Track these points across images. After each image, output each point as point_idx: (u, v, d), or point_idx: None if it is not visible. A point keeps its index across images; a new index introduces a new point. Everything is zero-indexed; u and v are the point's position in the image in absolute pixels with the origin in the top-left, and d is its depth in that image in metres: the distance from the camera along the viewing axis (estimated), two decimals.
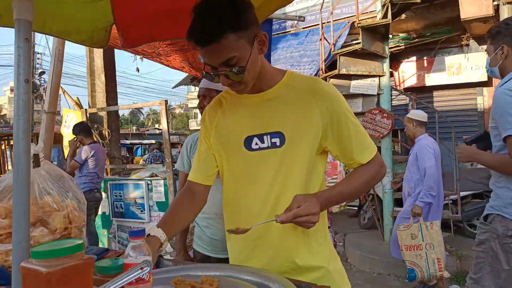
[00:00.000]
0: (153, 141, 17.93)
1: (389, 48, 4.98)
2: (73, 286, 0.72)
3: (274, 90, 1.16)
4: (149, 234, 1.09)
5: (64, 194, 1.29)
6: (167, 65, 4.07)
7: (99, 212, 4.43)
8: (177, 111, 59.54)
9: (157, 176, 4.08)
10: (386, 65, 4.82)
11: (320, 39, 5.08)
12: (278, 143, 1.14)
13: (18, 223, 0.88)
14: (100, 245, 4.45)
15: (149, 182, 4.01)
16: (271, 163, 1.15)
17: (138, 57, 4.23)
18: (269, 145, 1.15)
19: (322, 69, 5.11)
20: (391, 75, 6.95)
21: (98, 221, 4.47)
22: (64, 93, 5.10)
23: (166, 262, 1.32)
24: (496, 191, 1.85)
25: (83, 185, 4.01)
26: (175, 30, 2.00)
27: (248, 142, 1.18)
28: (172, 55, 3.72)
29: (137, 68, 4.42)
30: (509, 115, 1.66)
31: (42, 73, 20.93)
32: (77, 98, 5.28)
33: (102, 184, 4.34)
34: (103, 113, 5.00)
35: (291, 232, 1.15)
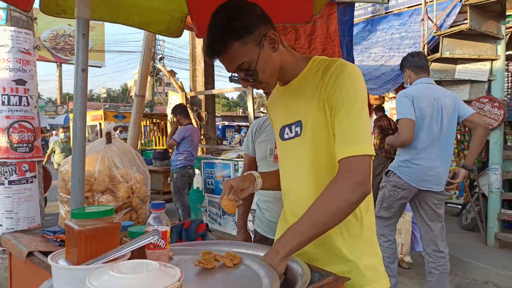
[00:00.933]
0: (248, 124, 18.57)
1: (507, 28, 4.32)
2: (100, 244, 0.86)
3: (297, 80, 1.18)
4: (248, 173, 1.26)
5: (130, 168, 1.48)
6: None
7: (194, 187, 4.85)
8: None
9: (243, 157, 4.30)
10: (501, 47, 4.20)
11: (422, 19, 4.64)
12: (299, 132, 1.16)
13: (74, 189, 1.06)
14: (193, 217, 4.89)
15: (235, 163, 4.25)
16: (297, 152, 1.17)
17: None
18: (294, 134, 1.18)
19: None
20: (508, 58, 6.00)
21: (192, 195, 4.90)
22: (169, 77, 5.62)
23: (211, 236, 1.44)
24: (395, 157, 2.84)
25: (179, 162, 4.43)
26: None
27: (281, 132, 1.24)
28: None
29: None
30: (398, 107, 2.60)
31: (162, 58, 23.20)
32: (181, 82, 5.77)
33: (196, 162, 4.73)
34: (201, 96, 5.38)
35: None
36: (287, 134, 1.20)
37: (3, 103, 3.50)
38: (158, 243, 0.90)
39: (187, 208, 4.54)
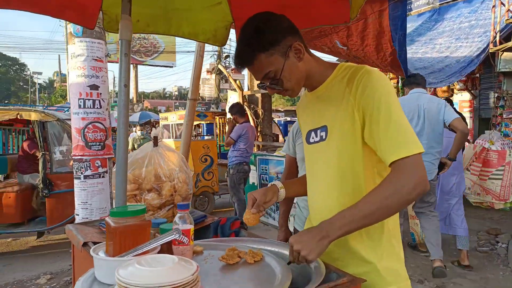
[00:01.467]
0: None
1: None
2: (132, 239, 1.00)
3: (323, 86, 1.22)
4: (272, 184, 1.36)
5: (173, 168, 1.63)
6: (313, 48, 4.21)
7: (250, 182, 5.01)
8: None
9: None
10: None
11: (493, 6, 4.27)
12: (324, 137, 1.20)
13: (118, 189, 1.21)
14: None
15: None
16: (321, 157, 1.21)
17: None
18: (319, 139, 1.21)
19: (493, 41, 4.32)
20: None
21: (248, 190, 5.07)
22: (229, 76, 5.83)
23: (243, 233, 1.54)
24: None
25: (235, 158, 4.61)
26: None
27: (308, 136, 1.28)
28: (312, 41, 3.83)
29: None
30: None
31: (227, 56, 23.90)
32: (239, 81, 5.96)
33: (252, 158, 4.88)
34: (258, 94, 5.51)
35: None
36: (313, 138, 1.24)
37: (79, 106, 3.94)
38: (181, 240, 1.02)
39: (242, 202, 4.71)
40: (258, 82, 1.25)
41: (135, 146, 8.22)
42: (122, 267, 0.88)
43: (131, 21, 1.32)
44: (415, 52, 5.11)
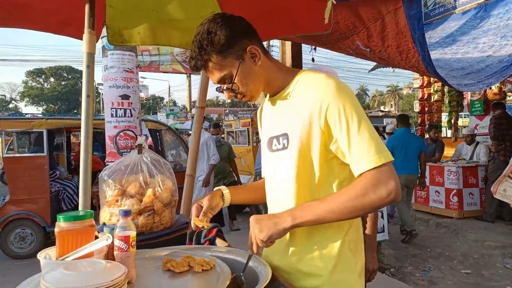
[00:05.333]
0: None
1: None
2: (73, 243, 1.03)
3: (283, 93, 1.20)
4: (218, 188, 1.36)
5: (155, 175, 1.66)
6: (337, 50, 4.12)
7: None
8: (405, 91, 56.19)
9: None
10: None
11: None
12: (286, 144, 1.17)
13: (82, 194, 1.27)
14: None
15: None
16: (284, 164, 1.18)
17: (312, 47, 4.42)
18: (282, 146, 1.19)
19: None
20: None
21: None
22: None
23: (217, 241, 1.53)
24: None
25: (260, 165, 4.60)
26: (276, 30, 2.12)
27: (269, 143, 1.26)
28: (336, 44, 3.74)
29: (313, 58, 4.62)
30: None
31: None
32: None
33: None
34: None
35: (299, 235, 1.16)
36: (275, 145, 1.22)
37: (111, 115, 4.16)
38: (120, 246, 1.03)
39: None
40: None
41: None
42: (49, 271, 0.92)
43: (95, 35, 1.38)
44: (456, 52, 4.79)
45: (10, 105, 51.92)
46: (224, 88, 1.17)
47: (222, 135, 8.85)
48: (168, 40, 2.17)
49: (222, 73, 1.13)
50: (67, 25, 1.96)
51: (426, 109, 8.79)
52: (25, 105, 52.73)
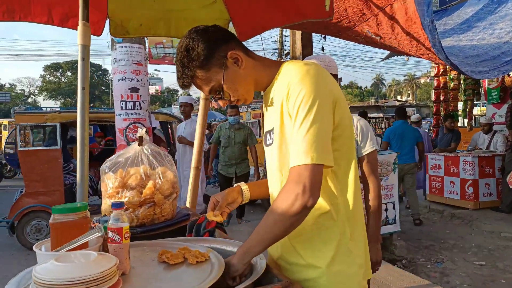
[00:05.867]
0: (381, 115, 17.53)
1: None
2: (67, 235, 1.04)
3: (269, 88, 1.20)
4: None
5: (154, 166, 1.67)
6: (347, 39, 4.06)
7: None
8: (422, 80, 55.06)
9: None
10: None
11: None
12: (273, 139, 1.18)
13: (79, 186, 1.27)
14: None
15: None
16: (274, 159, 1.19)
17: (322, 36, 4.35)
18: (272, 141, 1.20)
19: None
20: None
21: None
22: None
23: (216, 233, 1.53)
24: None
25: None
26: (280, 17, 2.08)
27: (265, 138, 1.27)
28: (345, 33, 3.68)
29: (322, 47, 4.55)
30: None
31: (287, 54, 23.96)
32: None
33: None
34: None
35: (298, 228, 1.14)
36: (268, 140, 1.23)
37: (121, 108, 4.20)
38: (113, 238, 1.04)
39: None
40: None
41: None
42: (41, 262, 0.93)
43: (89, 27, 1.38)
44: (471, 39, 4.64)
45: (29, 99, 53.05)
46: (217, 97, 1.18)
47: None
48: (169, 31, 2.16)
49: (210, 84, 1.14)
50: (70, 18, 1.97)
51: (442, 98, 8.59)
52: (43, 99, 53.83)
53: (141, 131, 1.71)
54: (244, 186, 1.36)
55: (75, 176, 6.33)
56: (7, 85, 54.07)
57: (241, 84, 1.15)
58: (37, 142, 5.91)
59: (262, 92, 1.28)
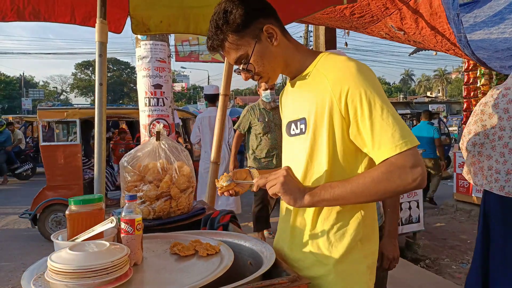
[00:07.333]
0: (408, 111, 17.01)
1: None
2: (82, 225, 1.08)
3: (303, 76, 1.16)
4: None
5: (171, 161, 1.70)
6: (370, 34, 3.99)
7: None
8: (453, 76, 53.23)
9: None
10: None
11: None
12: (304, 129, 1.14)
13: (96, 179, 1.32)
14: None
15: None
16: (302, 150, 1.15)
17: (345, 31, 4.29)
18: (299, 131, 1.17)
19: None
20: None
21: None
22: None
23: (230, 227, 1.54)
24: None
25: None
26: (300, 9, 2.07)
27: (288, 128, 1.24)
28: (369, 28, 3.61)
29: (346, 42, 4.48)
30: None
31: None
32: None
33: None
34: None
35: (309, 224, 1.14)
36: (293, 130, 1.20)
37: (145, 104, 4.29)
38: (126, 229, 1.07)
39: None
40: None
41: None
42: (56, 251, 0.98)
43: (106, 25, 1.42)
44: (503, 32, 4.44)
45: (61, 97, 54.98)
46: (241, 68, 1.15)
47: None
48: (188, 28, 2.19)
49: (238, 53, 1.12)
50: (92, 17, 2.03)
51: (472, 93, 8.29)
52: (75, 96, 55.64)
53: (159, 126, 1.75)
54: (251, 168, 1.32)
55: None
56: (41, 83, 56.26)
57: (269, 61, 1.13)
58: (63, 138, 6.11)
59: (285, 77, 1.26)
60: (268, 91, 4.45)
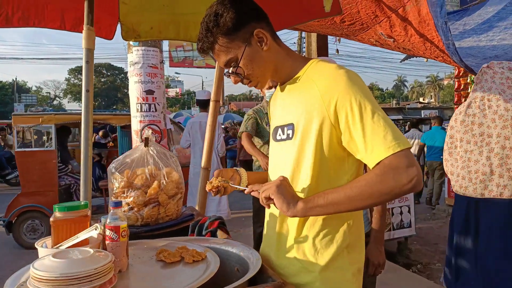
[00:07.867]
0: (401, 117, 17.21)
1: None
2: (66, 232, 1.08)
3: (292, 81, 1.17)
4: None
5: (159, 167, 1.70)
6: (361, 41, 4.02)
7: None
8: (445, 82, 53.79)
9: None
10: None
11: None
12: (291, 135, 1.15)
13: (83, 186, 1.31)
14: None
15: None
16: (288, 155, 1.16)
17: (336, 38, 4.33)
18: (286, 137, 1.17)
19: None
20: None
21: None
22: None
23: (218, 234, 1.54)
24: None
25: None
26: (289, 18, 2.09)
27: (274, 133, 1.24)
28: (359, 35, 3.65)
29: (337, 49, 4.53)
30: None
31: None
32: None
33: None
34: None
35: (296, 231, 1.14)
36: (279, 135, 1.20)
37: (137, 110, 4.28)
38: (111, 236, 1.07)
39: None
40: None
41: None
42: (39, 259, 0.97)
43: (93, 31, 1.42)
44: (491, 39, 4.52)
45: (54, 102, 54.65)
46: (230, 72, 1.16)
47: None
48: (178, 34, 2.20)
49: (228, 56, 1.12)
50: (81, 23, 2.03)
51: (463, 99, 8.38)
52: (68, 102, 55.33)
53: (147, 133, 1.75)
54: (238, 168, 1.33)
55: (72, 177, 6.39)
56: (34, 88, 55.87)
57: (259, 65, 1.13)
58: (37, 143, 5.99)
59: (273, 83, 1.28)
60: (273, 89, 4.47)
